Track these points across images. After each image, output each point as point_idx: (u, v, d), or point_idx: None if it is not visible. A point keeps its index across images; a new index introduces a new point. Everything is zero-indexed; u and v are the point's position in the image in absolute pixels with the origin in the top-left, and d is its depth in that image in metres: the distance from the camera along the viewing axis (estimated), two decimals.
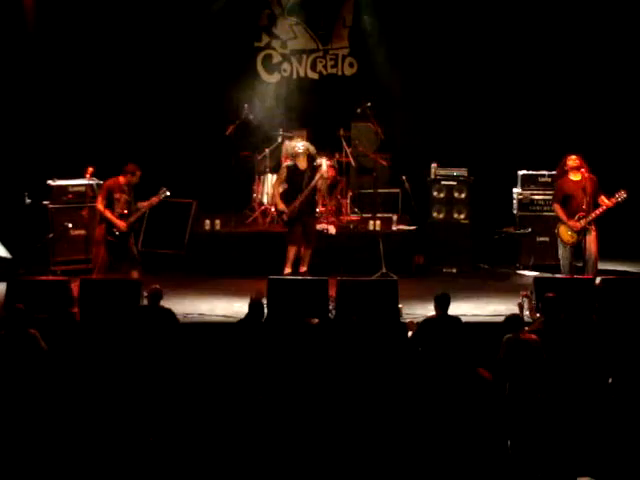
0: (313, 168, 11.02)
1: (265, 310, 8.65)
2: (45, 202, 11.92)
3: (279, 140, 12.65)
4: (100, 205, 10.42)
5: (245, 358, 8.09)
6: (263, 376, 7.99)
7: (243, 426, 7.51)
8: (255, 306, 8.46)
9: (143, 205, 10.55)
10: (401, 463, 7.17)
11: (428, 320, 8.53)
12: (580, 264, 10.60)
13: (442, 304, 8.46)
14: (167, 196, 10.55)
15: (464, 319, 8.75)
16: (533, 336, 7.92)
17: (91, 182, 11.94)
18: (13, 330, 8.01)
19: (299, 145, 11.01)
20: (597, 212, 10.29)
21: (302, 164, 10.98)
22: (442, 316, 8.44)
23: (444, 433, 7.55)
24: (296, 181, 10.95)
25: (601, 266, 10.71)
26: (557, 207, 10.52)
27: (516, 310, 8.69)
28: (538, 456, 7.21)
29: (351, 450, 7.30)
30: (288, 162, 11.25)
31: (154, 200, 10.50)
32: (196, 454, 7.23)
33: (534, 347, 7.78)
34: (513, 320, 8.00)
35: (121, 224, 10.36)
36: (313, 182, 10.90)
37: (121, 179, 10.45)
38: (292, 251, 10.97)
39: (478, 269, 12.25)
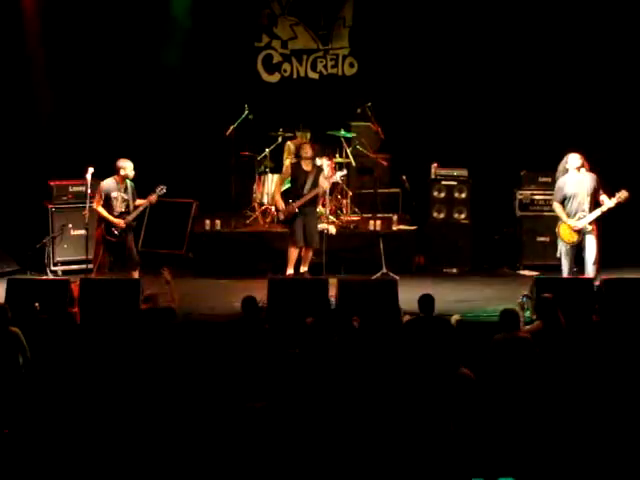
0: (318, 170, 11.02)
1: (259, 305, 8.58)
2: (45, 202, 11.94)
3: (279, 140, 12.64)
4: (97, 205, 10.43)
5: (248, 356, 8.06)
6: (265, 374, 7.97)
7: (242, 426, 7.50)
8: (247, 303, 8.39)
9: (141, 203, 10.55)
10: (395, 463, 7.14)
11: (410, 322, 8.44)
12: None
13: (424, 305, 8.33)
14: (165, 193, 10.55)
15: (464, 319, 8.73)
16: (527, 334, 7.86)
17: (91, 182, 11.91)
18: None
19: (309, 151, 10.96)
20: (598, 212, 10.24)
21: (307, 167, 10.97)
22: (426, 317, 8.31)
23: (424, 430, 7.45)
24: (300, 180, 10.93)
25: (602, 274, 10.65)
26: (557, 206, 10.46)
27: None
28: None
29: (348, 449, 7.27)
30: (292, 160, 11.25)
31: (152, 198, 10.50)
32: (196, 454, 7.22)
33: (528, 345, 7.72)
34: (509, 315, 7.90)
35: (119, 222, 10.36)
36: (314, 191, 10.88)
37: (116, 178, 10.46)
38: (294, 252, 10.94)
39: (478, 269, 12.25)
